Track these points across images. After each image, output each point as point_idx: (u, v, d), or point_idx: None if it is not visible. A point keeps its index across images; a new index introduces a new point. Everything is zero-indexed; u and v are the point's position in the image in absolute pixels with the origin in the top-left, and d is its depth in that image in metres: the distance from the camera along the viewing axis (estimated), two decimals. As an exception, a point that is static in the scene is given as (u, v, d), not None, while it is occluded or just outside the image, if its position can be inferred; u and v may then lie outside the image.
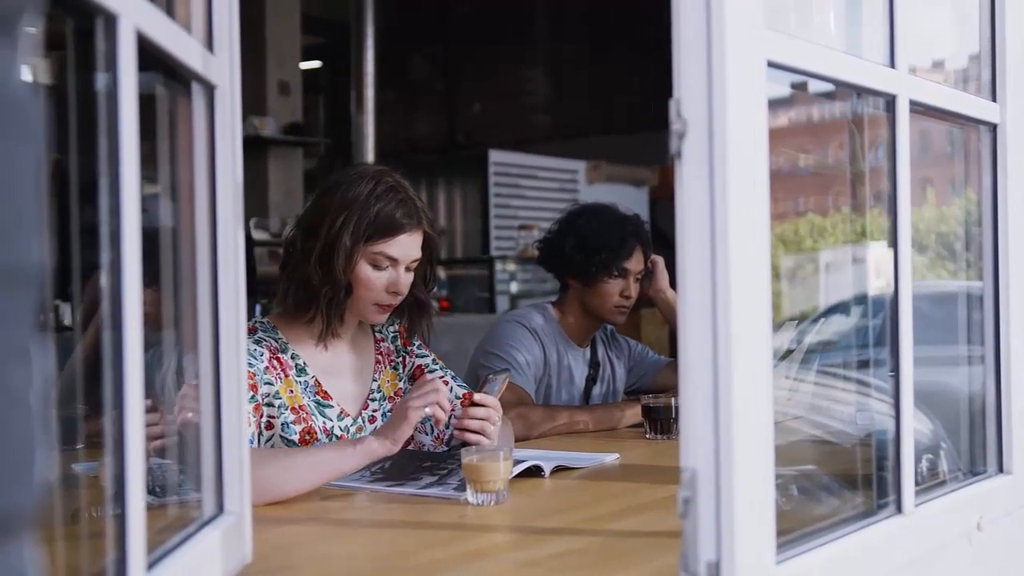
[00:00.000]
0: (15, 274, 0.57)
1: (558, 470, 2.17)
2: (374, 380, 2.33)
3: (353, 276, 2.18)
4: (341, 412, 2.23)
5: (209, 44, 1.34)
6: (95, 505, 1.39)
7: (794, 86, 1.47)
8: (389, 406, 2.32)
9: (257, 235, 6.66)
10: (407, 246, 2.20)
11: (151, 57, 1.11)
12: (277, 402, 2.14)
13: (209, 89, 1.34)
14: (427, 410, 1.97)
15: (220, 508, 1.36)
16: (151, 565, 1.09)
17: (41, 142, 0.60)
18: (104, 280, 1.00)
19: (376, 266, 2.18)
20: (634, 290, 3.02)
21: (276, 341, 2.21)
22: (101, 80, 1.01)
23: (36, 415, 0.59)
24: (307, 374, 2.21)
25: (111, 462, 1.01)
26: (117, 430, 1.00)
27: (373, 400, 2.32)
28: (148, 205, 1.10)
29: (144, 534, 1.02)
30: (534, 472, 2.10)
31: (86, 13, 0.98)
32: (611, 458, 2.34)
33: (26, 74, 0.59)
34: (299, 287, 2.19)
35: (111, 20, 0.99)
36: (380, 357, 2.37)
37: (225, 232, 1.36)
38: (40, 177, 0.60)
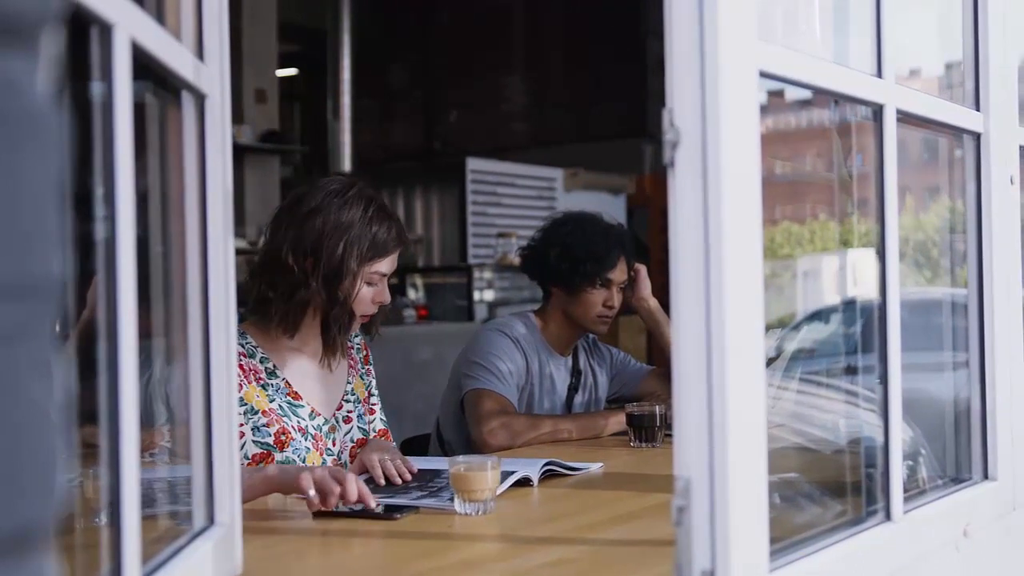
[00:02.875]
0: (36, 287, 0.57)
1: (547, 476, 2.17)
2: (348, 383, 2.42)
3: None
4: (312, 411, 2.30)
5: (200, 53, 1.34)
6: (81, 516, 1.38)
7: (770, 93, 1.47)
8: (362, 409, 2.43)
9: (234, 243, 6.62)
10: (394, 261, 2.34)
11: (142, 66, 1.11)
12: (242, 408, 2.18)
13: (200, 98, 1.33)
14: (311, 493, 1.81)
15: (211, 520, 1.36)
16: (144, 578, 1.08)
17: (61, 154, 0.59)
18: (100, 290, 1.00)
19: (370, 283, 2.29)
20: (617, 300, 3.02)
21: (243, 346, 2.24)
22: (95, 89, 1.01)
23: (56, 428, 0.59)
24: (278, 376, 2.28)
25: (106, 474, 1.00)
26: (112, 442, 1.00)
27: (348, 401, 2.41)
28: (137, 214, 1.09)
29: (139, 546, 1.02)
30: (522, 482, 2.10)
31: (80, 22, 0.97)
32: (595, 467, 2.35)
33: (45, 86, 0.59)
34: (299, 308, 2.25)
35: (106, 29, 0.99)
36: (352, 362, 2.46)
37: (216, 241, 1.35)
38: (60, 189, 0.59)
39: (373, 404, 2.51)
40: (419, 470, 2.20)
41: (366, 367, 2.51)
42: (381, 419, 2.51)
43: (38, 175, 0.57)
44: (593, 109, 9.16)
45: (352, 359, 2.46)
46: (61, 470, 0.60)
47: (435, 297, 7.59)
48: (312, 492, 1.80)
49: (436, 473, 2.18)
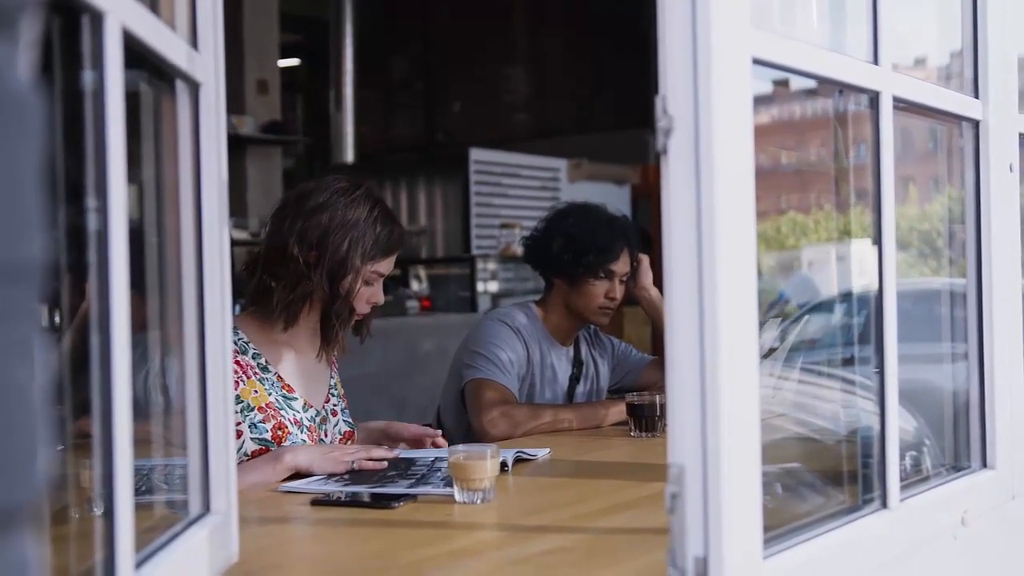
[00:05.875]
0: (18, 270, 0.58)
1: (517, 462, 2.21)
2: (331, 378, 2.46)
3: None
4: (305, 403, 2.33)
5: (194, 42, 1.34)
6: (77, 506, 1.39)
7: (776, 83, 1.47)
8: (344, 404, 2.48)
9: (236, 235, 6.64)
10: (392, 263, 2.38)
11: (135, 55, 1.11)
12: (239, 406, 2.20)
13: (194, 87, 1.33)
14: (354, 465, 2.13)
15: (207, 507, 1.36)
16: (138, 564, 1.09)
17: (41, 139, 0.60)
18: (91, 281, 1.00)
19: (368, 282, 2.32)
20: (619, 292, 3.02)
21: (235, 343, 2.25)
22: (87, 77, 1.01)
23: (39, 411, 0.60)
24: (270, 371, 2.30)
25: (99, 463, 1.00)
26: (105, 431, 1.00)
27: (333, 395, 2.45)
28: (133, 205, 1.10)
29: (132, 534, 1.02)
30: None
31: (72, 10, 0.97)
32: (543, 452, 2.38)
33: (26, 71, 0.59)
34: (300, 300, 2.28)
35: (97, 17, 0.98)
36: (333, 360, 2.49)
37: (211, 231, 1.35)
38: (41, 174, 0.60)
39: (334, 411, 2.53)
40: (398, 458, 2.23)
41: (335, 369, 2.55)
42: (346, 421, 2.52)
43: (18, 160, 0.57)
44: (596, 99, 9.16)
45: (334, 356, 2.50)
46: (44, 452, 0.61)
47: (438, 288, 7.59)
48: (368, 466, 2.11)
49: (411, 461, 2.20)
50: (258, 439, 2.21)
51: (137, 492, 1.11)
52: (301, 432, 2.28)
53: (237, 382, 2.20)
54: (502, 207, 8.01)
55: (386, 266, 2.34)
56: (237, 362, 2.23)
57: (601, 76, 9.15)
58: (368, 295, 2.33)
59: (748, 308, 1.20)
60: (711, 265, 1.15)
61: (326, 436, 2.37)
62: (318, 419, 2.36)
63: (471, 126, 9.66)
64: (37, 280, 0.60)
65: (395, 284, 6.81)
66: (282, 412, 2.26)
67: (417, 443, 2.42)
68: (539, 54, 9.68)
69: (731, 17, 1.18)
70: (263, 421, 2.23)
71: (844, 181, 1.87)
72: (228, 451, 1.39)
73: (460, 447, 1.94)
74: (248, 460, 2.17)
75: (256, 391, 2.25)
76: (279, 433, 2.24)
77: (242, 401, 2.21)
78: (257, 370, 2.28)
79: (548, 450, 2.41)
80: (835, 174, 1.90)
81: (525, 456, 2.29)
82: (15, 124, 0.57)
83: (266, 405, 2.25)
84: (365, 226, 2.28)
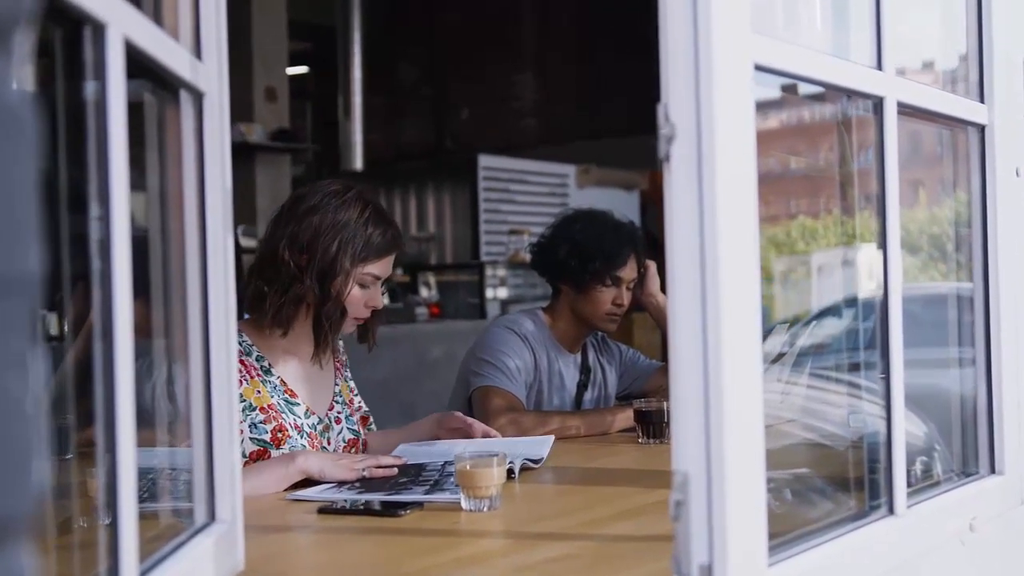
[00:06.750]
0: (13, 282, 0.58)
1: (524, 469, 2.21)
2: (336, 385, 2.46)
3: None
4: (307, 410, 2.33)
5: (197, 52, 1.34)
6: (84, 515, 1.39)
7: (784, 88, 1.47)
8: (349, 411, 2.46)
9: (245, 242, 6.64)
10: (390, 265, 2.36)
11: (139, 65, 1.11)
12: (241, 404, 2.21)
13: (198, 97, 1.34)
14: (365, 473, 2.12)
15: (212, 516, 1.36)
16: (143, 573, 1.09)
17: (37, 151, 0.60)
18: (94, 290, 1.00)
19: (362, 285, 2.32)
20: (626, 298, 3.02)
21: (240, 344, 2.26)
22: (89, 88, 1.01)
23: (34, 422, 0.60)
24: (273, 375, 2.31)
25: (103, 472, 1.01)
26: (108, 440, 1.00)
27: (337, 402, 2.44)
28: (135, 214, 1.10)
29: (136, 542, 1.02)
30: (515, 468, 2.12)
31: (74, 21, 0.98)
32: (547, 442, 2.40)
33: (22, 83, 0.60)
34: (292, 304, 2.28)
35: (99, 29, 0.99)
36: (338, 366, 2.50)
37: (215, 240, 1.36)
38: (36, 186, 0.60)
39: (359, 401, 2.54)
40: (406, 465, 2.22)
41: (347, 371, 2.55)
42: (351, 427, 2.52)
43: (13, 172, 0.58)
44: (604, 105, 9.14)
45: (339, 362, 2.50)
46: (38, 463, 0.61)
47: (447, 295, 7.59)
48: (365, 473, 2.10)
49: (421, 467, 2.20)
50: (257, 439, 2.22)
51: (141, 500, 1.11)
52: (301, 437, 2.28)
53: (240, 381, 2.21)
54: (511, 213, 8.01)
55: (380, 268, 2.33)
56: (241, 362, 2.25)
57: (608, 81, 9.14)
58: (365, 298, 2.32)
59: (751, 314, 1.20)
60: (714, 272, 1.15)
61: (329, 444, 2.36)
62: (320, 427, 2.36)
63: (480, 132, 9.66)
64: (34, 293, 0.60)
65: (404, 291, 6.82)
66: (283, 415, 2.27)
67: (463, 433, 2.45)
68: (546, 59, 9.68)
69: (732, 23, 1.18)
70: (264, 422, 2.23)
71: (852, 186, 1.86)
72: (233, 460, 1.39)
73: (467, 454, 1.94)
74: (251, 462, 2.17)
75: (259, 391, 2.26)
76: (279, 436, 2.24)
77: (244, 400, 2.22)
78: (260, 372, 2.29)
79: (552, 437, 2.42)
80: (844, 179, 1.90)
81: (531, 464, 2.28)
82: (10, 136, 0.57)
83: (268, 406, 2.25)
84: (356, 227, 2.28)
